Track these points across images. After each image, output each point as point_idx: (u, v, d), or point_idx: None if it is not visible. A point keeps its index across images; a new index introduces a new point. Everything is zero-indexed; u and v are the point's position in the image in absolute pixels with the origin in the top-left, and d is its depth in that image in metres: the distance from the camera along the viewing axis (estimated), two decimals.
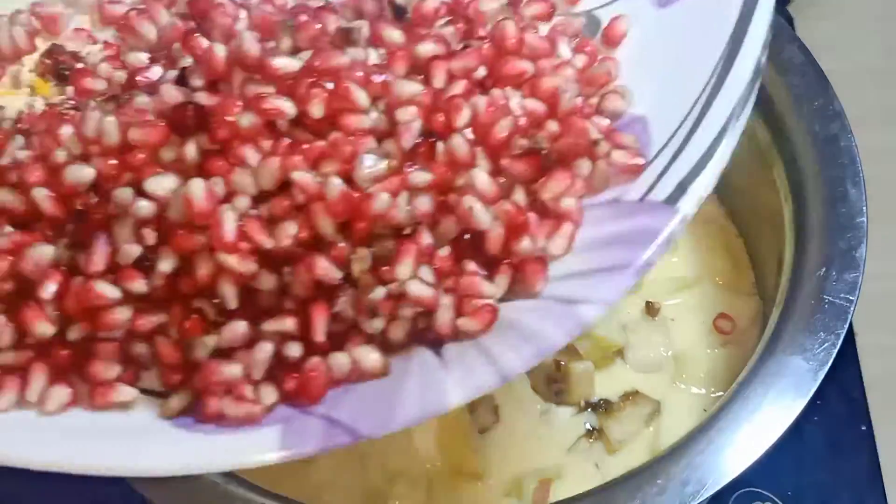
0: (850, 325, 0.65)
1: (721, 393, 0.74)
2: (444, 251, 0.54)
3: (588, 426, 0.75)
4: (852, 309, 0.65)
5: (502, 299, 0.54)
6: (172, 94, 0.55)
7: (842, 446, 0.84)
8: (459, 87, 0.56)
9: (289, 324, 0.53)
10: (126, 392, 0.55)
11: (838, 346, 0.64)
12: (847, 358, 0.87)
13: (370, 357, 0.53)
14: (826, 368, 0.63)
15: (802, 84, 0.73)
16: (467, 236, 0.54)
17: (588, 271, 0.53)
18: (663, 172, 0.55)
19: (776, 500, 0.81)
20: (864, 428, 0.85)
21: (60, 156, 0.55)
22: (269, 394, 0.53)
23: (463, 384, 0.50)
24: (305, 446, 0.50)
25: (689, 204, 0.53)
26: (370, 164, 0.53)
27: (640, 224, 0.53)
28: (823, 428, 0.85)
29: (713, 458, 0.61)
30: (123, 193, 0.53)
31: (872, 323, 0.88)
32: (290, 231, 0.52)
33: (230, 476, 0.63)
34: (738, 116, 0.55)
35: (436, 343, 0.53)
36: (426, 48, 0.58)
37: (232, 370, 0.53)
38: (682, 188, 0.54)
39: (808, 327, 0.65)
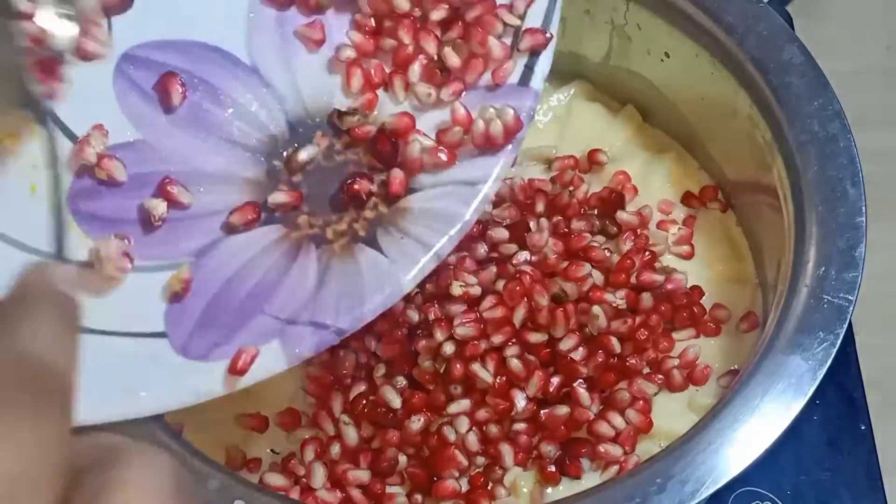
0: (850, 324, 0.65)
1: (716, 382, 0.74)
2: None
3: None
4: (851, 308, 0.65)
5: (415, 190, 0.65)
6: None
7: (841, 446, 0.84)
8: None
9: None
10: None
11: (837, 346, 0.64)
12: (846, 357, 0.87)
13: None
14: (825, 368, 0.63)
15: (802, 84, 0.73)
16: None
17: (477, 153, 0.64)
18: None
19: (775, 499, 0.81)
20: (863, 427, 0.85)
21: None
22: None
23: (408, 270, 0.61)
24: (304, 350, 0.59)
25: (538, 82, 0.66)
26: None
27: (507, 105, 0.65)
28: (823, 427, 0.85)
29: (712, 458, 0.61)
30: None
31: (872, 322, 0.88)
32: None
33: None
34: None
35: (373, 242, 0.63)
36: None
37: None
38: (529, 69, 0.66)
39: (807, 327, 0.65)
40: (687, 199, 0.84)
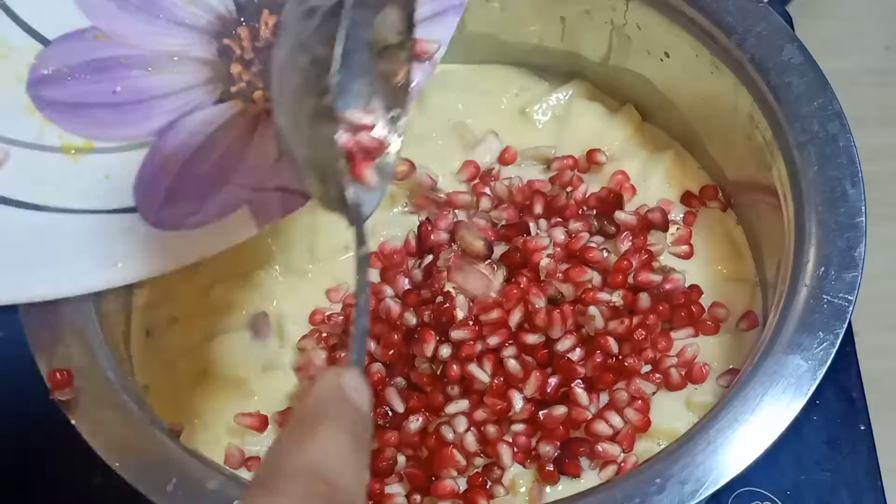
0: (850, 324, 0.65)
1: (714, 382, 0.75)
2: None
3: None
4: (851, 308, 0.65)
5: None
6: None
7: (841, 446, 0.84)
8: None
9: None
10: None
11: (837, 346, 0.64)
12: (846, 357, 0.87)
13: None
14: (825, 368, 0.63)
15: (802, 84, 0.73)
16: None
17: (425, 19, 0.67)
18: None
19: (775, 499, 0.81)
20: (863, 427, 0.85)
21: None
22: None
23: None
24: (273, 214, 0.62)
25: None
26: None
27: None
28: (822, 427, 0.85)
29: (712, 458, 0.61)
30: None
31: (872, 322, 0.89)
32: None
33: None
34: None
35: None
36: None
37: None
38: None
39: (807, 327, 0.65)
40: (687, 198, 0.84)
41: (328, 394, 0.43)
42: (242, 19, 0.69)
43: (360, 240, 0.55)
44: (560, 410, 0.71)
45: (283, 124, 0.56)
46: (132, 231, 0.64)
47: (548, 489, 0.71)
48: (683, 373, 0.74)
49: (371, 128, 0.61)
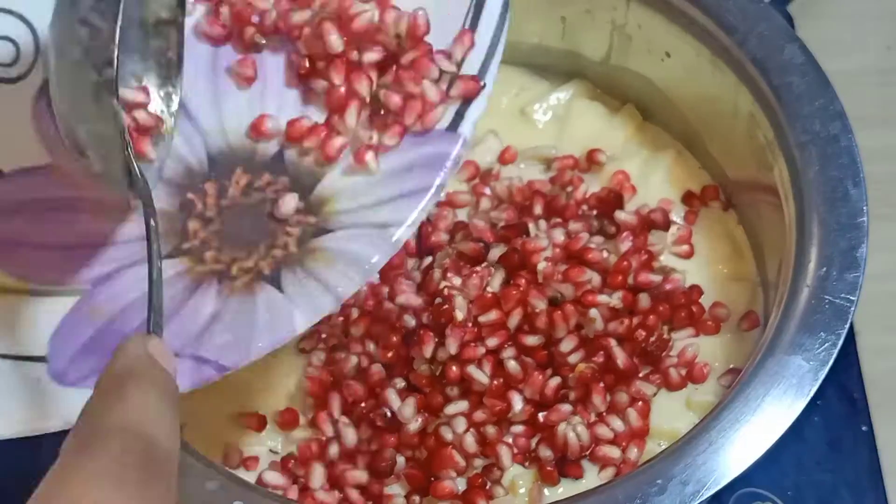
0: (851, 324, 0.65)
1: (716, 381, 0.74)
2: None
3: None
4: (853, 309, 0.65)
5: (327, 231, 0.63)
6: None
7: (842, 446, 0.84)
8: None
9: None
10: None
11: (839, 346, 0.64)
12: (848, 358, 0.87)
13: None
14: (826, 368, 0.63)
15: (803, 84, 0.73)
16: None
17: (396, 196, 0.62)
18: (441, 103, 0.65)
19: (776, 500, 0.81)
20: (864, 428, 0.85)
21: None
22: None
23: (306, 311, 0.59)
24: (181, 384, 0.55)
25: (468, 128, 0.64)
26: None
27: (432, 151, 0.63)
28: (824, 428, 0.85)
29: (713, 458, 0.61)
30: None
31: (873, 323, 0.88)
32: None
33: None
34: (496, 46, 0.66)
35: (276, 280, 0.61)
36: None
37: None
38: (460, 116, 0.64)
39: (809, 327, 0.64)
40: (688, 198, 0.83)
41: (135, 357, 0.44)
42: (213, 174, 0.66)
43: (149, 210, 0.55)
44: (561, 410, 0.71)
45: (62, 101, 0.55)
46: (33, 383, 0.59)
47: (547, 491, 0.71)
48: (684, 373, 0.74)
49: (145, 105, 0.62)
